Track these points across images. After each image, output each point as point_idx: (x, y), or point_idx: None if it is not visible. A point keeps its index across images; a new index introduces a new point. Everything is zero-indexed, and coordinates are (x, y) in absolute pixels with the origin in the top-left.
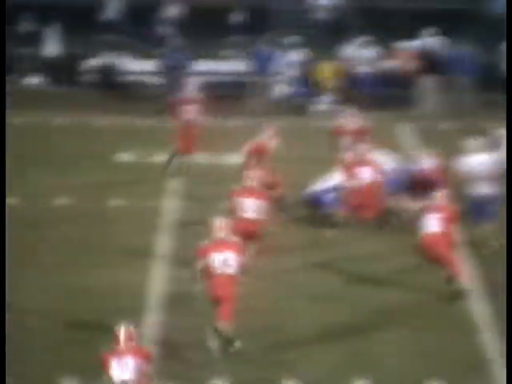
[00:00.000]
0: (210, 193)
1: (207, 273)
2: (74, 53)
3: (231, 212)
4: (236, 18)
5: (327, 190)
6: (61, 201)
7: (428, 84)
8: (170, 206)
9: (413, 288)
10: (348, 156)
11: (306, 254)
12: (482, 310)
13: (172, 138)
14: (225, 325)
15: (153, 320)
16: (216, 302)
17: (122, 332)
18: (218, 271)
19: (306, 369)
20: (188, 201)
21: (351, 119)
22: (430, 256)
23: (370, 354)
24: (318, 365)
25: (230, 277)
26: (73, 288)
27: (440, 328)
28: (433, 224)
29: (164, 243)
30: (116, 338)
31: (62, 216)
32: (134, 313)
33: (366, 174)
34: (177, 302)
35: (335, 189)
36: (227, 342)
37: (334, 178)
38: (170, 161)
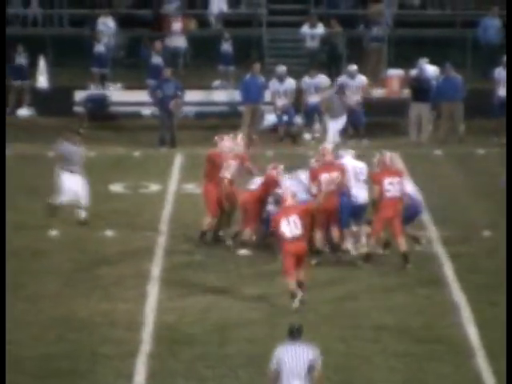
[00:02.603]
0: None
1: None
2: (65, 84)
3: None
4: (226, 47)
5: None
6: (53, 231)
7: (420, 112)
8: (164, 235)
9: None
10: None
11: None
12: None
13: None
14: None
15: (148, 350)
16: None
17: (288, 193)
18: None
19: None
20: (181, 229)
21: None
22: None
23: None
24: None
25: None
26: (63, 319)
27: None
28: (394, 189)
29: (158, 273)
30: (283, 199)
31: (54, 246)
32: (128, 343)
33: None
34: (172, 331)
35: None
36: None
37: None
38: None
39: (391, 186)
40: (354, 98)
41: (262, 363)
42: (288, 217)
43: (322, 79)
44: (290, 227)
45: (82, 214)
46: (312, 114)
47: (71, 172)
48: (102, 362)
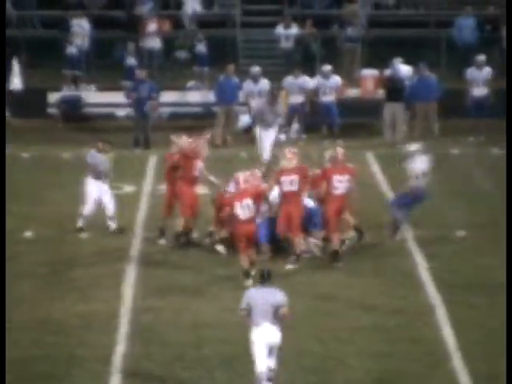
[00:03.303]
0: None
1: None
2: (39, 86)
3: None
4: (200, 48)
5: None
6: (28, 233)
7: (394, 111)
8: (139, 236)
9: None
10: None
11: None
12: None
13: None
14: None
15: (124, 351)
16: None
17: (241, 176)
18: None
19: None
20: (155, 230)
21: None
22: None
23: None
24: None
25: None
26: (39, 321)
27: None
28: (342, 186)
29: (133, 274)
30: (236, 182)
31: (29, 248)
32: (104, 344)
33: None
34: (148, 332)
35: None
36: None
37: None
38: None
39: (339, 184)
40: (328, 98)
41: (239, 364)
42: (242, 200)
43: (306, 79)
44: (243, 210)
45: (113, 225)
46: (292, 115)
47: (99, 180)
48: (78, 365)
